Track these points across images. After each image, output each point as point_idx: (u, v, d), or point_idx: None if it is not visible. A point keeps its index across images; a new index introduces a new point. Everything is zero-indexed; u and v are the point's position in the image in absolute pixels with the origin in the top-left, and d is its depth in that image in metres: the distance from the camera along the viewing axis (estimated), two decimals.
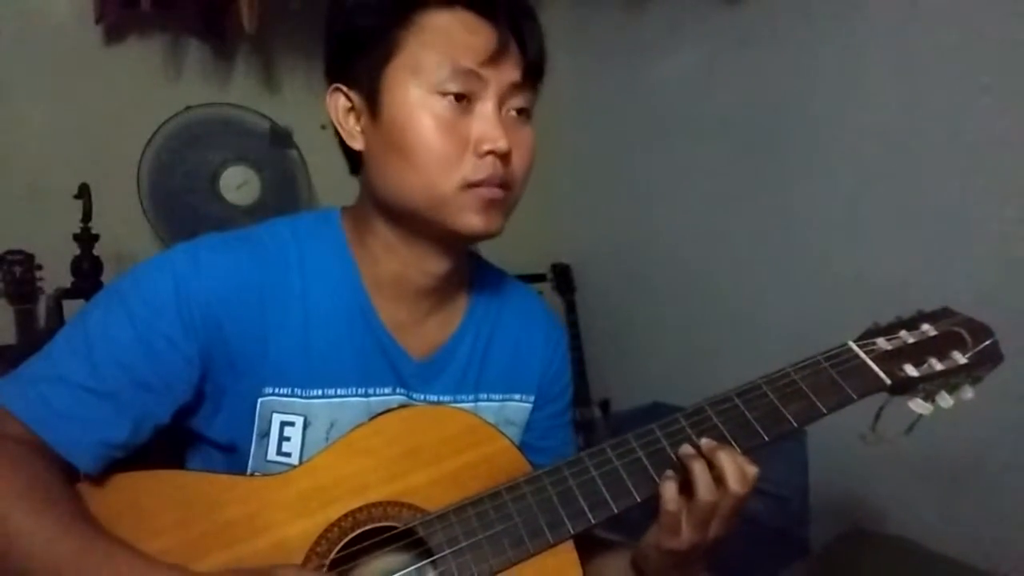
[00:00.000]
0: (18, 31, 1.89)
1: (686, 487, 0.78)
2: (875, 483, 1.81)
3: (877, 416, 0.87)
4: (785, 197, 2.01)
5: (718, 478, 0.77)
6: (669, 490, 0.77)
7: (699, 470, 0.77)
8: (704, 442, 0.79)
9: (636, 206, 2.46)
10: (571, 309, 2.51)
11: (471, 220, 0.80)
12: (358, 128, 0.84)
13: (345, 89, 0.84)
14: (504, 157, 0.80)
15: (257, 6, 1.87)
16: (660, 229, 2.38)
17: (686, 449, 0.79)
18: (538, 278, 2.44)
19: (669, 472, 0.79)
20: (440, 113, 0.79)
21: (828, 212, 1.91)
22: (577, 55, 2.55)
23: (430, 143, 0.79)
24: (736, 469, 0.77)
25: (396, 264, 0.87)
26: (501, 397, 0.96)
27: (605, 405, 2.39)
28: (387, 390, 0.88)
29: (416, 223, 0.83)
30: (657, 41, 2.32)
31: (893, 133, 1.76)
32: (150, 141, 1.95)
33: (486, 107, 0.80)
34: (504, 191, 0.82)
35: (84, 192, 1.79)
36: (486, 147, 0.79)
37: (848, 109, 1.85)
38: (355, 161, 0.89)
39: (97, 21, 1.94)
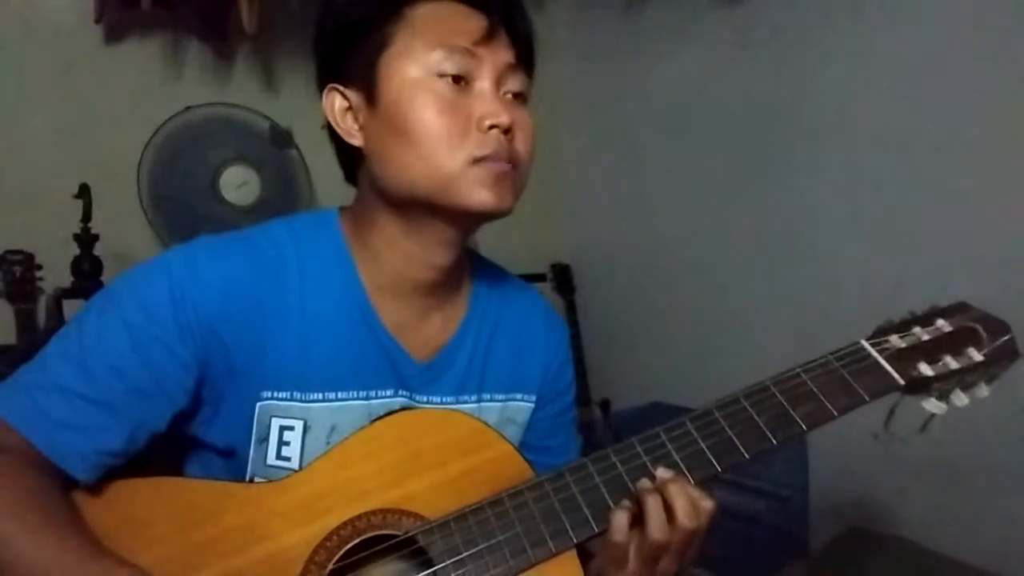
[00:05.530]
0: (18, 31, 1.89)
1: (639, 520, 0.75)
2: (875, 483, 1.81)
3: (890, 415, 0.85)
4: (785, 197, 2.01)
5: (668, 513, 0.74)
6: (619, 520, 0.75)
7: (652, 505, 0.74)
8: (659, 472, 0.77)
9: (636, 206, 2.46)
10: (571, 309, 2.51)
11: (481, 196, 0.79)
12: (356, 126, 0.83)
13: (341, 88, 0.83)
14: (507, 133, 0.80)
15: (257, 6, 1.87)
16: (660, 229, 2.38)
17: (643, 483, 0.76)
18: (538, 278, 2.43)
19: (625, 502, 0.76)
20: (440, 92, 0.79)
21: (828, 212, 1.91)
22: (577, 55, 2.56)
23: (433, 122, 0.78)
24: (687, 504, 0.73)
25: (399, 259, 0.85)
26: (504, 397, 0.95)
27: (605, 405, 2.38)
28: (388, 392, 0.87)
29: (423, 209, 0.82)
30: (657, 41, 2.32)
31: (893, 133, 1.76)
32: (150, 141, 1.95)
33: (484, 85, 0.81)
34: (512, 166, 0.81)
35: (84, 192, 1.79)
36: (488, 122, 0.79)
37: (848, 109, 1.85)
38: (352, 165, 0.88)
39: (97, 21, 1.94)
